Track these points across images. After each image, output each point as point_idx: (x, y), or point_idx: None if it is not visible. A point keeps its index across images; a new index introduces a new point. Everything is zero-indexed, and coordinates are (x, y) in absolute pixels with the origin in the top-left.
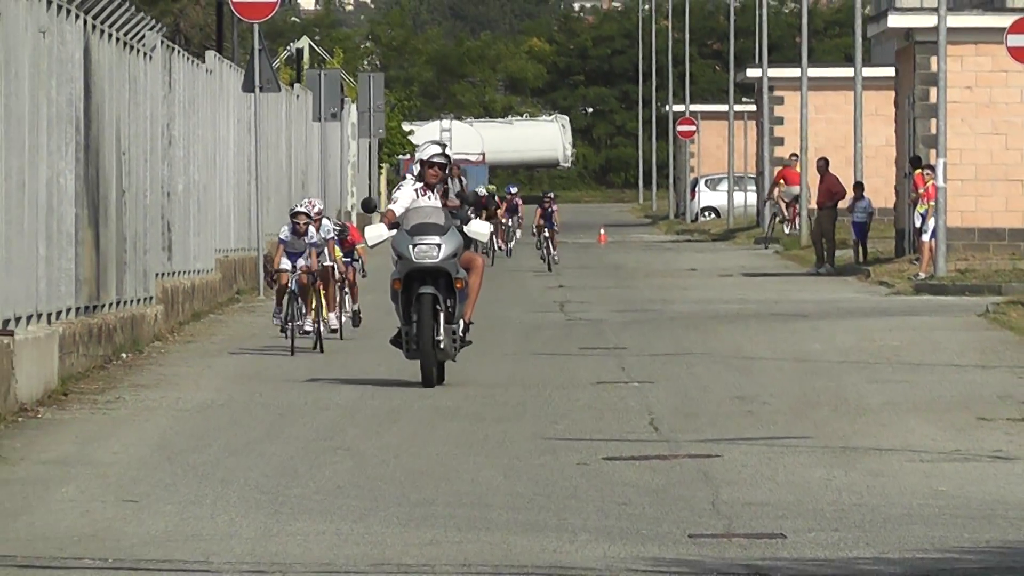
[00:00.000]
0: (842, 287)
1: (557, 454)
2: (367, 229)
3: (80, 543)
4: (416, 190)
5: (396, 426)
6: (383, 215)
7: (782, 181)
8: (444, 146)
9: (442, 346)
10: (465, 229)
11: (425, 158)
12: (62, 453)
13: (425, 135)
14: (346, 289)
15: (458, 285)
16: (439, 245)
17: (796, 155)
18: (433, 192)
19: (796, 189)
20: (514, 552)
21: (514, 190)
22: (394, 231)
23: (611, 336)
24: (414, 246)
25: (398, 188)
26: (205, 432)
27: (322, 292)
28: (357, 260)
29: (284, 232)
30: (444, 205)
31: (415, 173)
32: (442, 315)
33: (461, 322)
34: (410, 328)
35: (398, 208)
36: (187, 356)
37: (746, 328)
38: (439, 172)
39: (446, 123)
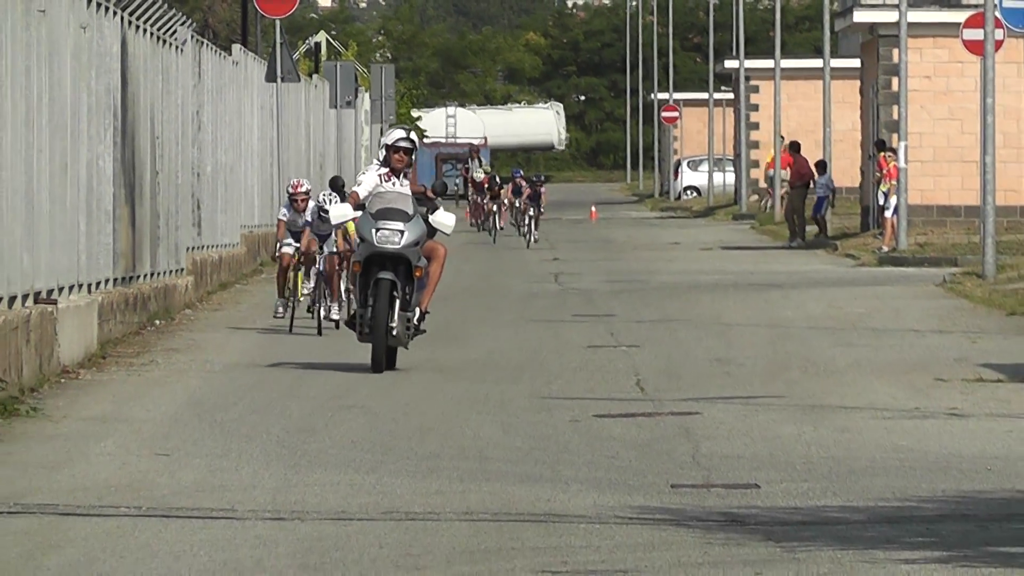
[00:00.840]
0: (812, 259)
1: (551, 412)
2: (332, 207)
3: (117, 493)
4: (380, 175)
5: (404, 386)
6: (348, 195)
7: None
8: (409, 131)
9: (395, 332)
10: (431, 219)
11: (390, 143)
12: (100, 411)
13: (432, 121)
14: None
15: (417, 273)
16: (402, 231)
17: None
18: (399, 178)
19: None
20: (512, 501)
21: (520, 173)
22: (359, 212)
23: (601, 304)
24: (377, 230)
25: (364, 171)
26: (231, 392)
27: (328, 282)
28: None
29: (284, 211)
30: (423, 194)
31: (380, 158)
32: (398, 301)
33: (417, 310)
34: (365, 312)
35: (361, 191)
36: (215, 323)
37: (724, 297)
38: (404, 157)
39: (451, 110)
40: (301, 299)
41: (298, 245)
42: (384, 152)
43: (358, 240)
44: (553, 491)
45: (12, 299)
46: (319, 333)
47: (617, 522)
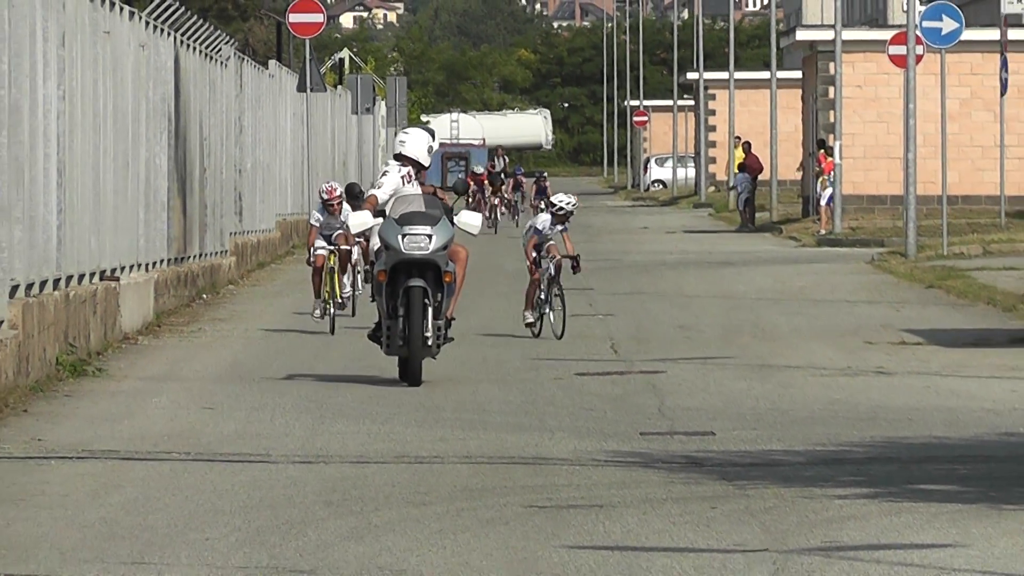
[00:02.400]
0: (760, 241)
1: (539, 371)
2: (352, 216)
3: (169, 441)
4: (403, 177)
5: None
6: (365, 200)
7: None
8: (433, 134)
9: (428, 343)
10: (456, 220)
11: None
12: (156, 371)
13: (438, 125)
14: (357, 258)
15: (447, 279)
16: (430, 236)
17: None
18: (413, 180)
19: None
20: (505, 446)
21: (521, 171)
22: (380, 219)
23: (581, 279)
24: (403, 236)
25: (383, 172)
26: (267, 355)
27: (340, 268)
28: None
29: (317, 216)
30: (434, 193)
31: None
32: (430, 310)
33: (444, 318)
34: (394, 323)
35: (382, 194)
36: (253, 296)
37: (686, 273)
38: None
39: (454, 116)
40: (341, 301)
41: (331, 248)
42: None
43: (376, 246)
44: (540, 438)
45: (81, 276)
46: (331, 332)
47: (594, 464)
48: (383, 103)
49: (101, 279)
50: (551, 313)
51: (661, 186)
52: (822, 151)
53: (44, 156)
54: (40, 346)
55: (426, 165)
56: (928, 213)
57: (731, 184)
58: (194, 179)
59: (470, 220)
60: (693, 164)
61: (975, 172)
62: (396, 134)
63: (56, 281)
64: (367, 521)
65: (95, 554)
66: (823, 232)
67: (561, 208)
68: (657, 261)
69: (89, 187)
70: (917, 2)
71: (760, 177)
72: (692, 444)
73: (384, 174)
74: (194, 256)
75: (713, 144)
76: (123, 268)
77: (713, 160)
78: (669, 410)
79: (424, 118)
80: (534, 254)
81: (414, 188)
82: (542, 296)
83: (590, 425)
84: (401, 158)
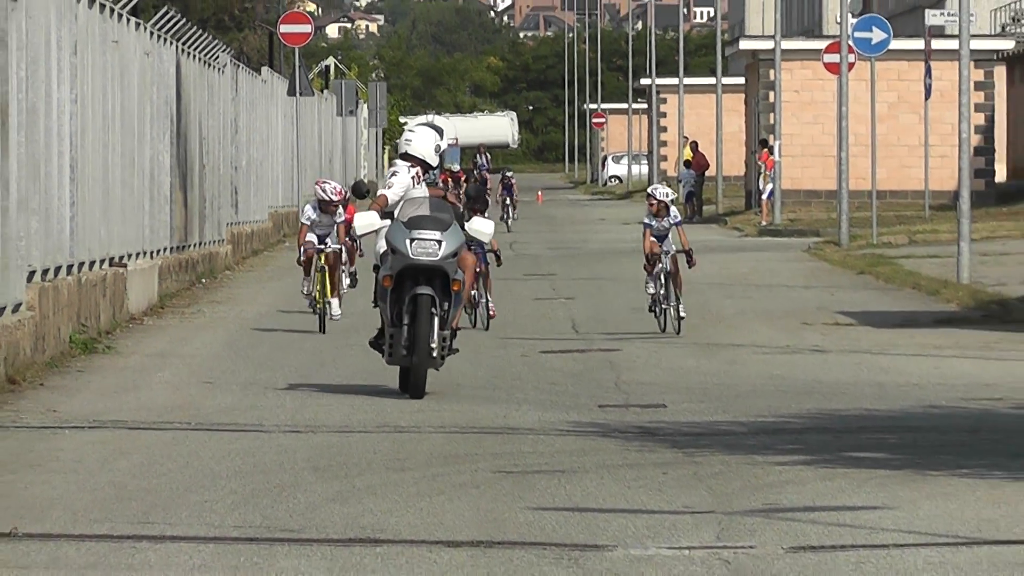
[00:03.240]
0: (707, 231)
1: (507, 349)
2: (357, 216)
3: (172, 412)
4: (413, 177)
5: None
6: (374, 200)
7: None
8: (442, 132)
9: (434, 353)
10: (467, 226)
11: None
12: (159, 349)
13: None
14: (344, 259)
15: (455, 287)
16: (440, 242)
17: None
18: (422, 181)
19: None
20: (476, 417)
21: (510, 173)
22: (387, 221)
23: (545, 266)
24: (412, 240)
25: (392, 172)
26: (260, 334)
27: (329, 275)
28: (354, 240)
29: (309, 213)
30: (444, 197)
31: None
32: (437, 319)
33: (450, 329)
34: (398, 331)
35: (392, 194)
36: (248, 281)
37: (640, 260)
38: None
39: (430, 117)
40: (332, 315)
41: (321, 247)
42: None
43: (382, 249)
44: (508, 410)
45: (92, 263)
46: (322, 331)
47: (556, 433)
48: (365, 106)
49: (110, 265)
50: (669, 308)
51: (617, 181)
52: (764, 150)
53: (58, 154)
54: (55, 326)
55: (433, 165)
56: (859, 206)
57: (679, 179)
58: (194, 174)
59: (482, 227)
60: (646, 161)
61: (902, 169)
62: (377, 133)
63: (69, 267)
64: (351, 485)
65: (105, 515)
66: (764, 223)
67: (655, 200)
68: (613, 249)
69: (99, 182)
70: (849, 14)
71: (707, 173)
72: (645, 416)
73: (393, 174)
74: (194, 244)
75: (664, 143)
76: (130, 255)
77: (664, 158)
78: (625, 384)
79: (402, 119)
80: (651, 244)
81: (422, 190)
82: (662, 292)
83: (553, 398)
84: (408, 157)
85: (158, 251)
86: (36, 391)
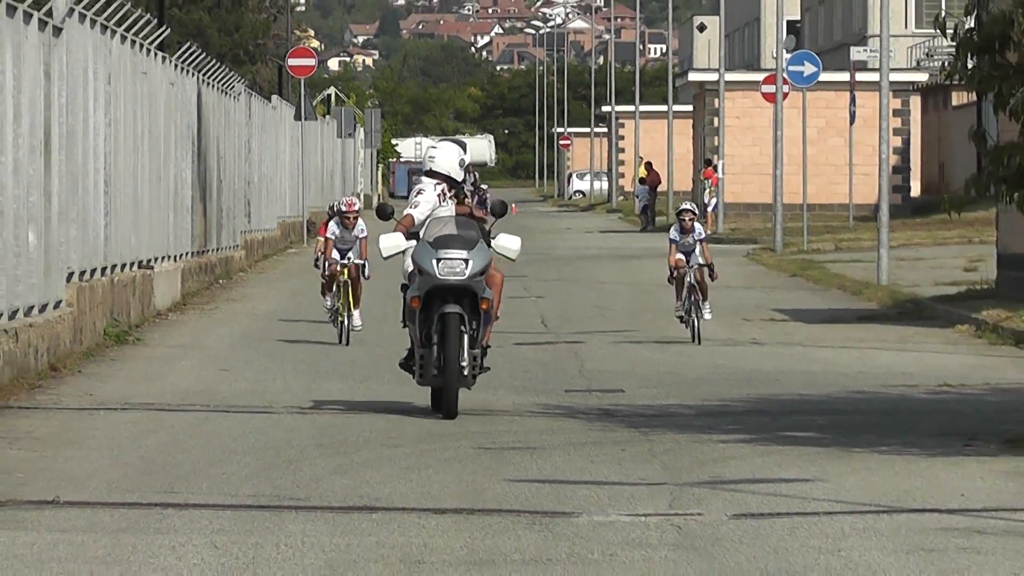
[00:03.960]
0: (657, 239)
1: None
2: (382, 238)
3: (193, 395)
4: (439, 195)
5: (387, 327)
6: (399, 222)
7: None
8: (465, 147)
9: (464, 372)
10: (493, 244)
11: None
12: (182, 341)
13: (405, 147)
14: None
15: (483, 306)
16: (467, 260)
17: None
18: (450, 198)
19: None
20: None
21: (484, 187)
22: (412, 242)
23: (518, 268)
24: (438, 260)
25: (418, 190)
26: (270, 328)
27: (352, 288)
28: (360, 259)
29: (333, 228)
30: (470, 214)
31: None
32: (466, 338)
33: (480, 347)
34: (428, 351)
35: (419, 213)
36: (259, 282)
37: (600, 264)
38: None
39: (418, 139)
40: (351, 327)
41: (344, 262)
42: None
43: (410, 269)
44: (486, 394)
45: (123, 266)
46: (345, 343)
47: (528, 415)
48: (362, 129)
49: (139, 268)
50: (697, 319)
51: (581, 195)
52: (708, 168)
53: (94, 171)
54: (91, 320)
55: (459, 180)
56: (792, 217)
57: (635, 194)
58: (212, 189)
59: (509, 244)
60: (606, 178)
61: (830, 185)
62: (372, 153)
63: (103, 269)
64: (350, 459)
65: (135, 485)
66: (709, 232)
67: (684, 216)
68: (578, 255)
69: (130, 195)
70: (784, 50)
71: (659, 188)
72: (606, 399)
73: (419, 192)
74: (212, 249)
75: (622, 162)
76: (156, 259)
77: (622, 175)
78: (588, 372)
79: (394, 142)
80: (677, 260)
81: (449, 208)
82: (689, 303)
83: (525, 384)
84: (433, 174)
85: (181, 255)
86: (75, 377)
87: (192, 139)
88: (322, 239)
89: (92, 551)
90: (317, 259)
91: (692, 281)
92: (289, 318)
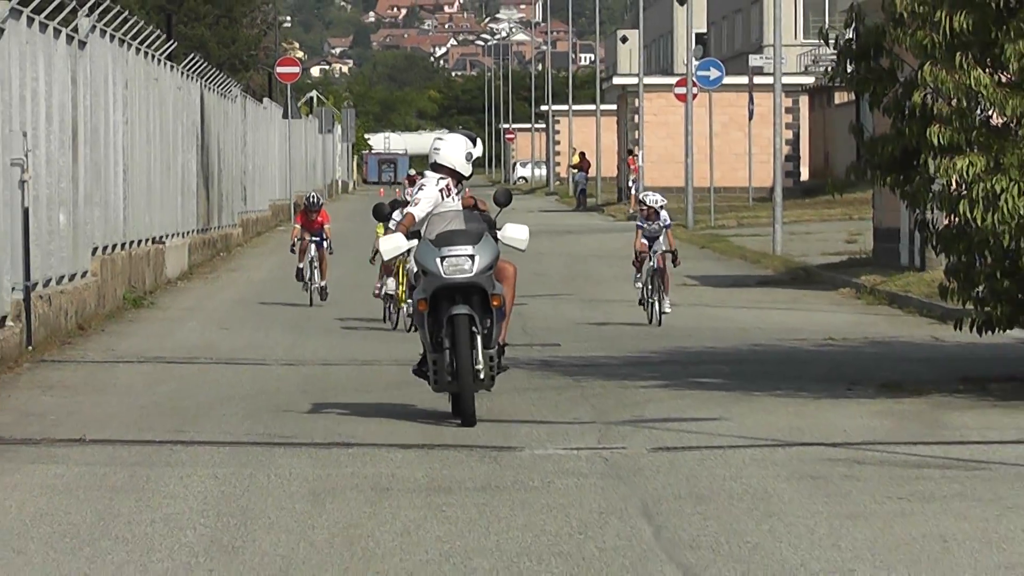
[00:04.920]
0: (590, 217)
1: None
2: (382, 241)
3: (198, 350)
4: (441, 190)
5: (357, 292)
6: (399, 223)
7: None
8: (474, 138)
9: (480, 375)
10: (500, 235)
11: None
12: (189, 304)
13: (376, 140)
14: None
15: (494, 303)
16: (472, 256)
17: (575, 148)
18: (457, 193)
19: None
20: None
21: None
22: (414, 241)
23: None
24: (442, 259)
25: (420, 186)
26: (263, 293)
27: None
28: (326, 239)
29: (397, 217)
30: (474, 206)
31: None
32: (479, 339)
33: (496, 346)
34: (440, 356)
35: (419, 211)
36: (254, 254)
37: (540, 238)
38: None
39: (386, 134)
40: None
41: (314, 239)
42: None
43: (414, 270)
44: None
45: (139, 241)
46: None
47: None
48: (339, 126)
49: (152, 243)
50: (656, 303)
51: (524, 180)
52: (630, 157)
53: (114, 162)
54: (112, 287)
55: (466, 175)
56: (701, 198)
57: (575, 179)
58: (214, 176)
59: (516, 234)
60: (545, 166)
61: (732, 171)
62: (347, 147)
63: (123, 244)
64: (331, 403)
65: (149, 425)
66: (631, 211)
67: (645, 206)
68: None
69: (144, 182)
70: (693, 58)
71: (589, 174)
72: (545, 352)
73: (420, 188)
74: (214, 227)
75: (558, 153)
76: (167, 235)
77: (558, 164)
78: (530, 329)
79: (366, 136)
80: (641, 244)
81: (455, 202)
82: (649, 288)
83: None
84: (438, 168)
85: (188, 232)
86: (98, 335)
87: (196, 135)
88: (297, 226)
89: (113, 481)
90: (293, 245)
91: (654, 266)
92: (279, 286)
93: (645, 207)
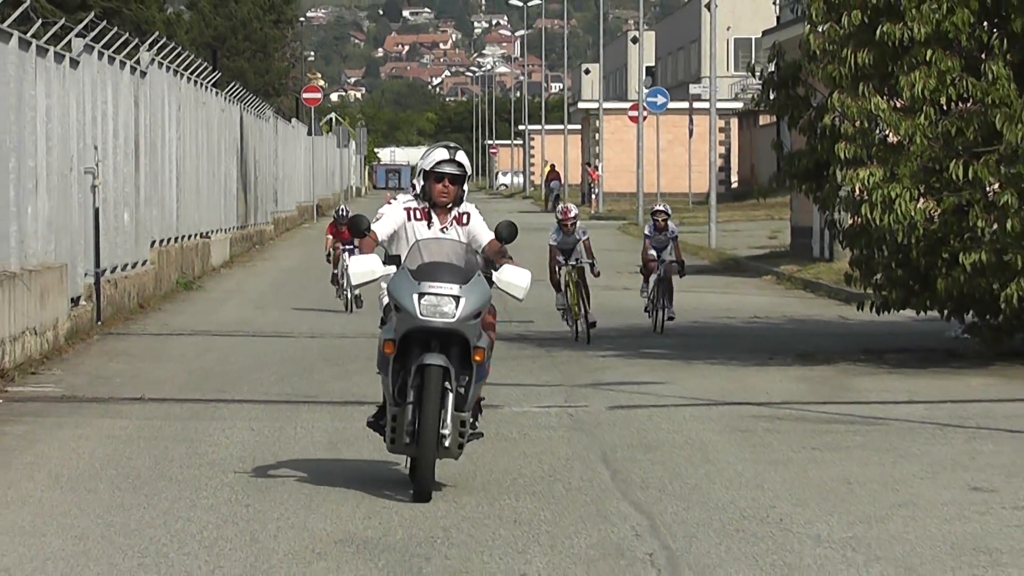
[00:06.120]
0: None
1: None
2: (352, 262)
3: (237, 325)
4: (410, 210)
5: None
6: (365, 237)
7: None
8: (455, 149)
9: (447, 442)
10: (495, 278)
11: (428, 167)
12: (230, 287)
13: (384, 154)
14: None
15: (477, 357)
16: (457, 298)
17: (547, 161)
18: (449, 221)
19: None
20: None
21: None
22: (390, 269)
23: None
24: (421, 295)
25: (387, 201)
26: (291, 278)
27: None
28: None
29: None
30: (499, 255)
31: (417, 188)
32: (451, 397)
33: (470, 408)
34: (402, 411)
35: (380, 228)
36: (284, 246)
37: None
38: (451, 188)
39: (392, 149)
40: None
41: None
42: (421, 181)
43: (385, 300)
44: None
45: (189, 236)
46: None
47: None
48: (354, 141)
49: (200, 237)
50: (660, 311)
51: (505, 187)
52: (590, 168)
53: (168, 170)
54: (167, 274)
55: (416, 189)
56: (649, 201)
57: (550, 186)
58: (250, 182)
59: (516, 279)
60: (522, 175)
61: (676, 179)
62: (360, 159)
63: (176, 238)
64: (345, 369)
65: (197, 387)
66: (593, 212)
67: (658, 217)
68: None
69: (193, 187)
70: (644, 87)
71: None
72: (520, 328)
73: (387, 202)
74: (251, 224)
75: (532, 165)
76: (212, 231)
77: (533, 173)
78: (508, 310)
79: (376, 150)
80: (649, 256)
81: (438, 231)
82: (654, 296)
83: None
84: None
85: (229, 228)
86: (156, 313)
87: (236, 148)
88: (329, 237)
89: (167, 432)
90: (328, 254)
91: (661, 275)
92: (305, 274)
93: (662, 218)
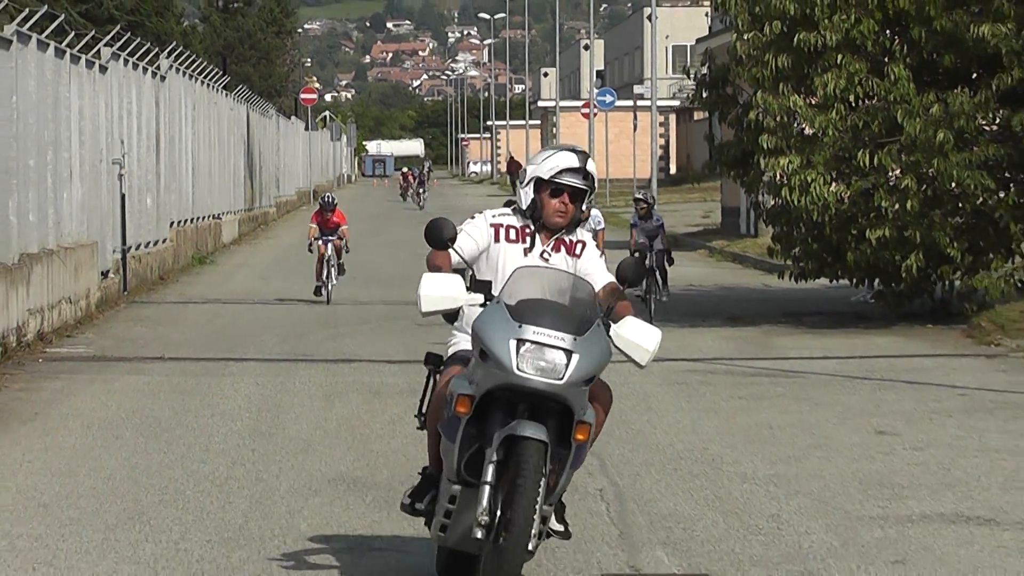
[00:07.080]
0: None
1: (394, 249)
2: (425, 281)
3: (245, 294)
4: (499, 228)
5: (366, 252)
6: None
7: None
8: (585, 156)
9: (531, 545)
10: (614, 333)
11: (545, 174)
12: (238, 261)
13: (371, 146)
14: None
15: (579, 436)
16: (570, 352)
17: (513, 155)
18: (553, 245)
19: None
20: (403, 297)
21: (428, 164)
22: (475, 298)
23: (428, 217)
24: (520, 342)
25: (472, 217)
26: (290, 254)
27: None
28: (341, 238)
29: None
30: (616, 298)
31: (523, 201)
32: (543, 483)
33: (557, 496)
34: (467, 494)
35: (462, 244)
36: (285, 226)
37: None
38: (570, 208)
39: (378, 142)
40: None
41: (329, 238)
42: (531, 192)
43: (458, 345)
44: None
45: (203, 217)
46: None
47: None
48: (345, 135)
49: (213, 219)
50: (654, 296)
51: (475, 174)
52: None
53: (185, 161)
54: (184, 250)
55: (583, 187)
56: (600, 187)
57: (509, 174)
58: (256, 171)
59: (641, 339)
60: (489, 164)
61: (622, 167)
62: (351, 151)
63: (191, 219)
64: (338, 332)
65: (209, 347)
66: None
67: (639, 205)
68: (472, 208)
69: (206, 175)
70: (594, 88)
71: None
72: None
73: (472, 218)
74: (256, 207)
75: (499, 156)
76: (223, 213)
77: (499, 162)
78: None
79: (364, 142)
80: (639, 244)
81: (543, 258)
82: (645, 284)
83: None
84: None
85: (237, 211)
86: (175, 284)
87: (243, 142)
88: (314, 226)
89: (184, 387)
90: (310, 245)
91: (652, 265)
92: (302, 248)
93: (641, 206)
